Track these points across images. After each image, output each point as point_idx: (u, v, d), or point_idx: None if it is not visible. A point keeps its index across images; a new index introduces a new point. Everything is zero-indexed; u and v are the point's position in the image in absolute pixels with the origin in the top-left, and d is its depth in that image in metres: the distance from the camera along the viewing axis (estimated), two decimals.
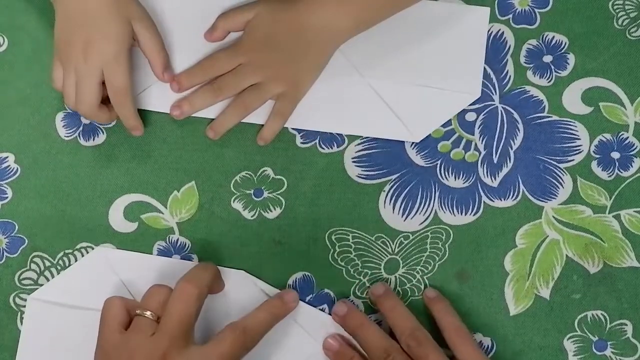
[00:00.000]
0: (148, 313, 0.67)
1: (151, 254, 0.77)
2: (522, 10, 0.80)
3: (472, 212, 0.78)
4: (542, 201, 0.79)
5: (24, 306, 0.76)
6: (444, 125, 0.79)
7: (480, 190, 0.79)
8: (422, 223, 0.78)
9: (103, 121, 0.76)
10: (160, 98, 0.78)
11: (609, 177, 0.79)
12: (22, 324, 0.75)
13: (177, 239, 0.77)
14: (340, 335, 0.75)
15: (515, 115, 0.79)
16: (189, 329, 0.67)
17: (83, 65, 0.71)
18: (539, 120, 0.79)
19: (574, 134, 0.79)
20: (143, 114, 0.78)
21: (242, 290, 0.76)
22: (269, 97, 0.76)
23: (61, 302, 0.75)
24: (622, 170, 0.79)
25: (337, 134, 0.79)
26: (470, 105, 0.79)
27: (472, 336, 0.74)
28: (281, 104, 0.77)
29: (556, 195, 0.79)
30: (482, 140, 0.79)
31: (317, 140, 0.79)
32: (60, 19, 0.72)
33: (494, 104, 0.79)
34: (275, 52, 0.75)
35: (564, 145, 0.79)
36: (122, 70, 0.72)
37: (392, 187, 0.79)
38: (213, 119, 0.77)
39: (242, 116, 0.76)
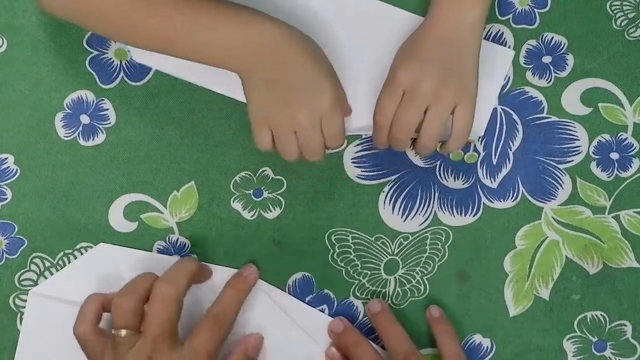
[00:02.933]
0: (123, 332, 0.68)
1: None
2: (522, 10, 0.80)
3: (471, 213, 0.78)
4: (542, 202, 0.79)
5: (24, 307, 0.75)
6: None
7: (480, 191, 0.79)
8: (421, 224, 0.78)
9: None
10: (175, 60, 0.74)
11: (608, 177, 0.79)
12: (21, 324, 0.75)
13: (177, 239, 0.77)
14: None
15: (515, 116, 0.79)
16: (171, 330, 0.68)
17: (305, 121, 0.69)
18: (538, 121, 0.79)
19: (573, 135, 0.79)
20: (145, 116, 0.78)
21: None
22: (448, 114, 0.73)
23: (62, 297, 0.75)
24: (621, 171, 0.79)
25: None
26: None
27: None
28: (461, 113, 0.73)
29: (556, 196, 0.79)
30: (482, 141, 0.79)
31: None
32: (257, 87, 0.69)
33: (494, 105, 0.79)
34: (432, 65, 0.72)
35: (563, 146, 0.79)
36: (338, 118, 0.71)
37: (391, 187, 0.79)
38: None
39: (435, 147, 0.74)
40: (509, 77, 0.79)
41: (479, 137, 0.79)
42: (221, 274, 0.76)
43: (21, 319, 0.76)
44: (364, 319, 0.78)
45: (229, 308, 0.73)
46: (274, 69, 0.68)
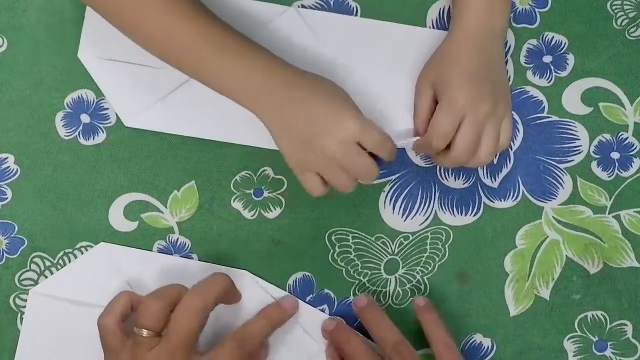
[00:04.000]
0: (144, 332, 0.68)
1: None
2: (522, 9, 0.80)
3: (472, 212, 0.78)
4: (542, 201, 0.79)
5: (24, 307, 0.75)
6: None
7: (480, 191, 0.79)
8: (422, 223, 0.78)
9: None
10: (164, 117, 0.78)
11: (608, 177, 0.79)
12: (22, 324, 0.75)
13: (177, 239, 0.77)
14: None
15: (515, 116, 0.79)
16: (192, 341, 0.68)
17: (340, 150, 0.68)
18: (539, 121, 0.79)
19: (573, 134, 0.79)
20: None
21: (244, 290, 0.76)
22: (499, 126, 0.74)
23: (63, 296, 0.75)
24: (621, 171, 0.79)
25: None
26: None
27: (460, 354, 0.73)
28: (507, 125, 0.75)
29: (556, 196, 0.79)
30: None
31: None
32: (281, 133, 0.70)
33: None
34: (482, 83, 0.73)
35: (564, 145, 0.79)
36: (374, 131, 0.70)
37: (392, 187, 0.79)
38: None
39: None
40: (510, 77, 0.79)
41: None
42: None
43: (21, 319, 0.75)
44: None
45: (256, 335, 0.72)
46: (290, 107, 0.69)
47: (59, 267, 0.76)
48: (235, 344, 0.70)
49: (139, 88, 0.77)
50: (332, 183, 0.71)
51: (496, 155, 0.78)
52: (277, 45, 0.75)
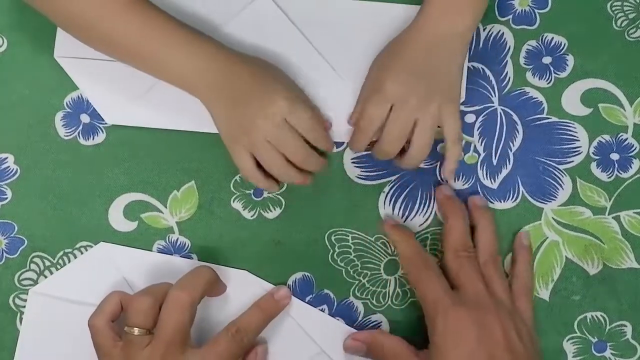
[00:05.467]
0: (136, 330, 0.68)
1: None
2: (522, 10, 0.80)
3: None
4: (542, 203, 0.79)
5: (24, 307, 0.75)
6: None
7: (480, 192, 0.79)
8: (422, 224, 0.78)
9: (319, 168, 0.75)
10: (146, 112, 0.78)
11: (608, 178, 0.79)
12: (21, 324, 0.75)
13: (177, 239, 0.77)
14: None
15: (515, 117, 0.79)
16: (184, 336, 0.68)
17: (270, 126, 0.70)
18: (539, 122, 0.79)
19: (573, 135, 0.79)
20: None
21: (244, 290, 0.76)
22: (435, 125, 0.73)
23: (62, 296, 0.75)
24: (621, 172, 0.79)
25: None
26: (470, 107, 0.79)
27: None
28: (450, 124, 0.74)
29: (556, 197, 0.79)
30: (482, 142, 0.79)
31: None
32: (220, 113, 0.72)
33: (493, 106, 0.79)
34: (420, 77, 0.73)
35: (564, 146, 0.79)
36: (304, 113, 0.71)
37: (391, 188, 0.79)
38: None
39: (424, 158, 0.75)
40: (510, 78, 0.79)
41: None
42: (220, 274, 0.75)
43: (21, 319, 0.75)
44: (364, 319, 0.78)
45: (251, 327, 0.72)
46: (227, 87, 0.71)
47: (58, 267, 0.76)
48: (232, 335, 0.70)
49: (118, 85, 0.78)
50: (264, 161, 0.72)
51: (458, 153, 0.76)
52: (249, 32, 0.77)
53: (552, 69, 0.80)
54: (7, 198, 0.77)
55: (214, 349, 0.69)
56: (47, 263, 0.76)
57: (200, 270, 0.72)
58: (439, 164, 0.79)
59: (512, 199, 0.79)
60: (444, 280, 0.73)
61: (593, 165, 0.79)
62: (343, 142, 0.79)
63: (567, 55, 0.80)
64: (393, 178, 0.79)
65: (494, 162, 0.79)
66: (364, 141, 0.75)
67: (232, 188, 0.78)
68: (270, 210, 0.78)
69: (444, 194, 0.77)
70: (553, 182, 0.79)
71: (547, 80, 0.80)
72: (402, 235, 0.76)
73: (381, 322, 0.77)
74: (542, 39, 0.80)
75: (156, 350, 0.67)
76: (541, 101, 0.80)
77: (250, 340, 0.72)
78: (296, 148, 0.72)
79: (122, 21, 0.69)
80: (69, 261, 0.76)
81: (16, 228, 0.77)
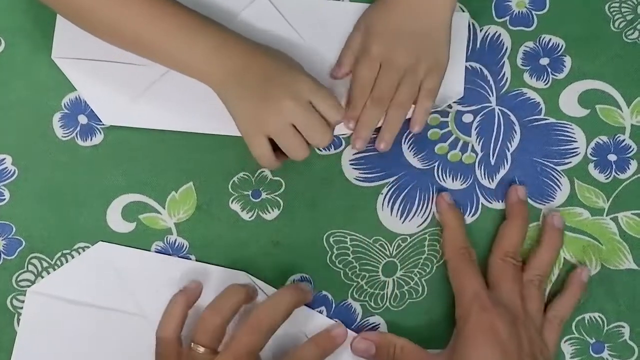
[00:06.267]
0: (201, 350, 0.68)
1: None
2: (519, 12, 0.80)
3: (469, 213, 0.78)
4: (540, 203, 0.79)
5: (22, 308, 0.75)
6: (440, 127, 0.79)
7: (478, 192, 0.79)
8: (420, 225, 0.78)
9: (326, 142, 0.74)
10: (143, 113, 0.78)
11: (606, 179, 0.79)
12: (18, 329, 0.75)
13: (175, 240, 0.77)
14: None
15: (512, 117, 0.79)
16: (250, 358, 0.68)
17: (295, 107, 0.70)
18: (536, 123, 0.80)
19: (570, 137, 0.79)
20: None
21: None
22: (419, 83, 0.75)
23: (60, 295, 0.75)
24: (619, 173, 0.79)
25: (335, 135, 0.79)
26: (467, 107, 0.79)
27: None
28: (429, 81, 0.75)
29: (554, 198, 0.79)
30: (479, 142, 0.79)
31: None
32: (237, 100, 0.71)
33: (491, 106, 0.80)
34: (405, 37, 0.75)
35: (561, 147, 0.79)
36: (326, 93, 0.71)
37: (389, 189, 0.79)
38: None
39: (405, 116, 0.76)
40: (507, 78, 0.80)
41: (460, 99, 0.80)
42: (218, 275, 0.76)
43: (19, 320, 0.75)
44: (362, 321, 0.77)
45: (274, 317, 0.71)
46: (246, 72, 0.70)
47: (56, 268, 0.76)
48: (256, 327, 0.69)
49: (116, 85, 0.78)
50: (285, 145, 0.71)
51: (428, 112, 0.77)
52: (248, 33, 0.76)
53: (549, 70, 0.80)
54: (4, 199, 0.77)
55: (238, 344, 0.68)
56: (45, 264, 0.76)
57: (281, 296, 0.72)
58: (436, 164, 0.79)
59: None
60: (482, 277, 0.74)
61: (591, 166, 0.79)
62: (342, 141, 0.79)
63: (565, 56, 0.80)
64: (391, 179, 0.79)
65: (492, 162, 0.79)
66: (360, 106, 0.76)
67: (230, 189, 0.78)
68: (269, 212, 0.78)
69: (517, 196, 0.77)
70: (551, 183, 0.79)
71: (544, 82, 0.80)
72: (455, 221, 0.77)
73: (379, 323, 0.77)
74: (539, 40, 0.80)
75: None
76: (539, 102, 0.80)
77: (273, 331, 0.70)
78: (320, 132, 0.71)
79: (126, 7, 0.69)
80: (67, 262, 0.76)
81: (14, 229, 0.76)
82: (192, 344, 0.69)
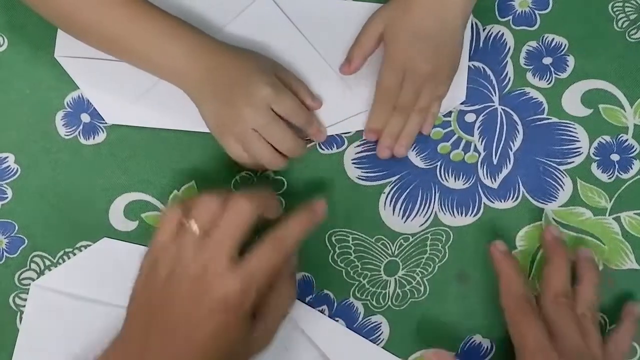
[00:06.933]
0: (195, 228, 0.64)
1: None
2: (522, 11, 0.80)
3: (472, 213, 0.78)
4: (543, 203, 0.79)
5: (24, 306, 0.75)
6: (443, 127, 0.79)
7: (481, 192, 0.79)
8: (422, 225, 0.78)
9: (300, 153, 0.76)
10: (146, 112, 0.78)
11: (608, 179, 0.79)
12: (22, 319, 0.75)
13: None
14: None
15: (515, 117, 0.79)
16: (237, 244, 0.64)
17: (254, 114, 0.71)
18: (539, 122, 0.80)
19: (573, 136, 0.79)
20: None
21: None
22: (440, 91, 0.77)
23: (64, 290, 0.75)
24: (622, 172, 0.79)
25: (337, 135, 0.79)
26: (470, 106, 0.79)
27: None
28: (441, 87, 0.77)
29: (556, 197, 0.79)
30: (482, 142, 0.79)
31: (316, 141, 0.79)
32: (207, 105, 0.73)
33: (494, 105, 0.79)
34: (423, 41, 0.74)
35: (564, 147, 0.79)
36: (287, 98, 0.73)
37: (392, 188, 0.79)
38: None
39: (423, 122, 0.78)
40: (510, 78, 0.79)
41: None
42: None
43: (21, 318, 0.75)
44: (364, 320, 0.78)
45: (295, 237, 0.67)
46: (216, 74, 0.72)
47: (58, 266, 0.76)
48: (276, 247, 0.65)
49: (118, 84, 0.78)
50: (250, 150, 0.72)
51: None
52: (250, 33, 0.77)
53: (552, 69, 0.80)
54: (7, 197, 0.77)
55: (260, 263, 0.64)
56: (47, 262, 0.76)
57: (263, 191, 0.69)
58: (439, 164, 0.79)
59: (512, 199, 0.79)
60: (544, 326, 0.72)
61: (593, 166, 0.79)
62: (344, 140, 0.79)
63: (568, 56, 0.80)
64: (393, 179, 0.79)
65: (495, 161, 0.79)
66: (383, 115, 0.77)
67: (232, 188, 0.78)
68: None
69: (552, 235, 0.76)
70: (553, 182, 0.79)
71: (547, 81, 0.80)
72: (511, 269, 0.75)
73: (381, 323, 0.77)
74: (542, 40, 0.80)
75: (205, 252, 0.63)
76: (541, 102, 0.80)
77: (290, 249, 0.67)
78: (284, 136, 0.73)
79: (104, 11, 0.70)
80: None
81: (16, 227, 0.77)
82: (188, 220, 0.64)
